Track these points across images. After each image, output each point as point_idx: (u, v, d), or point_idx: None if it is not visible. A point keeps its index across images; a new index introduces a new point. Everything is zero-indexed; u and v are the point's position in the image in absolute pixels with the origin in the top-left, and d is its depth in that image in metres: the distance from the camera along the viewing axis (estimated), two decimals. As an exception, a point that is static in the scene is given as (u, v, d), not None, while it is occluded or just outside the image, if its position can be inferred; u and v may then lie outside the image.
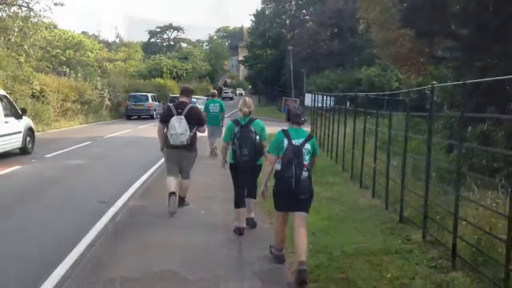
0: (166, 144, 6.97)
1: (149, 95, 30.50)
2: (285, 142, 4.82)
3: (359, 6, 25.73)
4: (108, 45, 68.71)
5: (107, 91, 28.77)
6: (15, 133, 12.26)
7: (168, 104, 7.79)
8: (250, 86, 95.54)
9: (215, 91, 15.62)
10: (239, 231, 6.12)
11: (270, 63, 57.27)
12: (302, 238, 4.75)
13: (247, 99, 6.45)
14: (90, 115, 25.83)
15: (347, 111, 13.53)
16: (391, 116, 8.68)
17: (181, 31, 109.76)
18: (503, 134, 9.94)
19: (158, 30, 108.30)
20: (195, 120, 6.98)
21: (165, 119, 6.99)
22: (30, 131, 13.20)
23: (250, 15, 58.16)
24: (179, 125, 6.74)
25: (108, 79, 30.62)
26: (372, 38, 25.20)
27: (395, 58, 20.16)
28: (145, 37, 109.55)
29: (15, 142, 12.37)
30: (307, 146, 4.83)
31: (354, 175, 10.34)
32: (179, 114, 6.86)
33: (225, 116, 14.04)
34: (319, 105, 33.91)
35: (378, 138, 9.15)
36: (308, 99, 39.67)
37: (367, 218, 7.17)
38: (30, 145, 13.17)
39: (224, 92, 67.92)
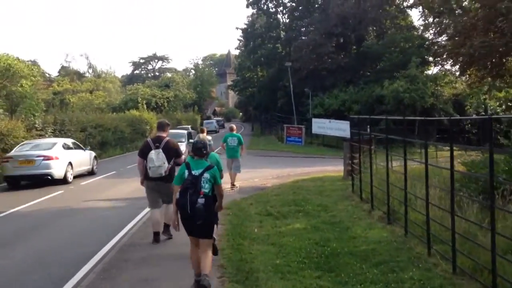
0: (145, 176, 7.35)
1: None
2: (186, 173, 5.29)
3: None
4: (80, 76, 61.50)
5: (50, 130, 20.93)
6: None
7: (146, 139, 7.88)
8: (241, 113, 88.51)
9: (233, 125, 14.48)
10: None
11: (263, 86, 49.84)
12: (206, 259, 5.27)
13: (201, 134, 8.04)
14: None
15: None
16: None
17: (166, 60, 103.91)
18: None
19: (142, 61, 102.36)
20: (172, 152, 7.36)
21: (143, 153, 7.31)
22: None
23: (237, 28, 50.80)
24: (156, 158, 7.11)
25: (54, 115, 22.72)
26: (422, 33, 17.87)
27: (472, 58, 12.62)
28: (128, 69, 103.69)
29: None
30: (206, 175, 5.27)
31: None
32: (156, 147, 7.22)
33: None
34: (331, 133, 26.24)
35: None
36: (316, 125, 32.17)
37: None
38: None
39: (207, 123, 53.55)
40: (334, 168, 18.61)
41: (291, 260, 6.50)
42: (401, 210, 8.28)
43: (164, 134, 7.56)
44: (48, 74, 59.96)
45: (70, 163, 16.09)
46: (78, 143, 18.83)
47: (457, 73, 20.76)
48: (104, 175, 17.77)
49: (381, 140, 11.78)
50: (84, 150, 18.16)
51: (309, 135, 33.29)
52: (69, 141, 17.92)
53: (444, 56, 17.70)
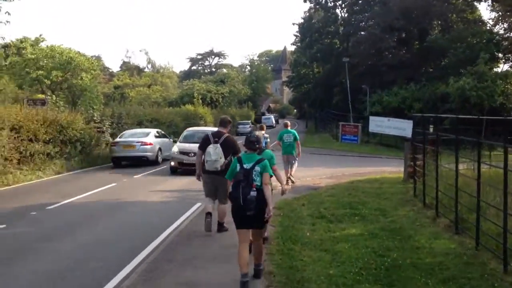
0: (202, 169, 7.66)
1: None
2: (238, 166, 5.43)
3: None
4: (140, 71, 63.27)
5: (107, 123, 21.37)
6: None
7: (207, 133, 8.05)
8: (295, 110, 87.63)
9: (288, 122, 14.31)
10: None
11: (319, 82, 48.78)
12: (258, 249, 5.61)
13: (257, 132, 7.46)
14: (76, 159, 18.30)
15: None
16: None
17: (222, 57, 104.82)
18: None
19: (199, 57, 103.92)
20: (230, 148, 7.50)
21: (203, 147, 7.61)
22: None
23: (293, 24, 49.89)
24: (214, 152, 7.35)
25: (112, 108, 23.19)
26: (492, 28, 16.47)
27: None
28: (186, 65, 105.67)
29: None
30: (257, 168, 5.37)
31: None
32: (215, 142, 7.47)
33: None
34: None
35: None
36: (373, 124, 30.88)
37: None
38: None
39: (265, 119, 54.42)
40: (392, 169, 17.63)
41: (347, 270, 5.91)
42: (470, 218, 7.44)
43: (224, 130, 7.77)
44: (109, 69, 62.08)
45: (160, 149, 19.46)
46: (165, 133, 21.75)
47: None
48: (157, 169, 17.84)
49: (444, 141, 10.84)
50: (169, 139, 21.15)
51: (365, 133, 32.05)
52: (159, 131, 21.34)
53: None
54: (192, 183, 13.39)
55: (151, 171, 17.21)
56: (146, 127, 25.90)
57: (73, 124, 18.57)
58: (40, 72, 24.69)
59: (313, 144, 32.12)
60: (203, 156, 7.59)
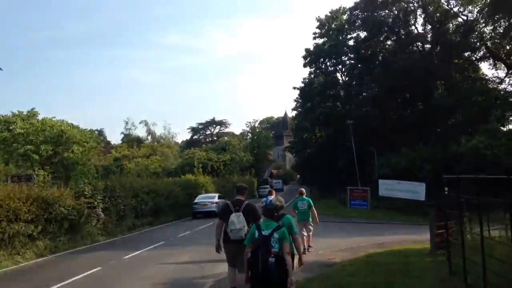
0: (225, 239, 7.58)
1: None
2: (257, 233, 5.61)
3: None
4: (140, 142, 62.69)
5: (99, 198, 19.88)
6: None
7: (227, 202, 8.30)
8: (298, 176, 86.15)
9: (303, 189, 14.59)
10: None
11: (322, 147, 47.74)
12: None
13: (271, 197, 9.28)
14: (62, 238, 16.59)
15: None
16: None
17: (224, 125, 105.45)
18: None
19: (200, 126, 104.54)
20: (252, 215, 7.42)
21: (224, 216, 7.60)
22: None
23: (294, 88, 49.55)
24: (237, 221, 7.29)
25: (105, 181, 21.79)
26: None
27: None
28: (188, 135, 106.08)
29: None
30: (275, 235, 5.51)
31: None
32: (237, 211, 7.47)
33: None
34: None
35: None
36: (383, 187, 29.34)
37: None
38: None
39: (275, 183, 60.41)
40: (411, 237, 15.96)
41: None
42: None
43: (242, 197, 7.83)
44: (108, 142, 61.57)
45: None
46: (223, 196, 29.92)
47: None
48: (150, 247, 16.01)
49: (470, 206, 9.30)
50: (226, 199, 26.28)
51: (375, 197, 30.35)
52: (220, 195, 30.49)
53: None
54: (188, 267, 11.71)
55: (142, 250, 15.37)
56: (142, 199, 24.56)
57: (60, 200, 17.04)
58: (29, 147, 23.60)
59: (321, 210, 29.99)
60: (224, 226, 7.57)
